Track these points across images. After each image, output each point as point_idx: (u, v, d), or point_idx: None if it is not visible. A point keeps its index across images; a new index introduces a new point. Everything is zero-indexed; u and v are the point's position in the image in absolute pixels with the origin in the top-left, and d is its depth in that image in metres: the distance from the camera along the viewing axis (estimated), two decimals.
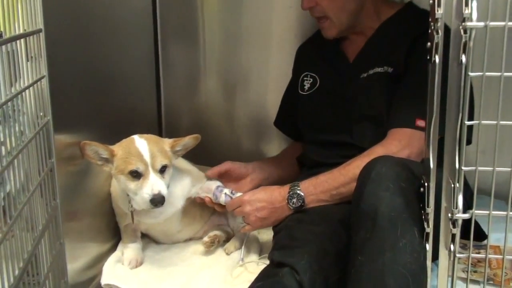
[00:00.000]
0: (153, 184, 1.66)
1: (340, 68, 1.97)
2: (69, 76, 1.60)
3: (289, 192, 1.74)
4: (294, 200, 1.73)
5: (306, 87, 2.04)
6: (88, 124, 1.76)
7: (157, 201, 1.66)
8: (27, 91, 1.23)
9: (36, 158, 1.28)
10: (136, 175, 1.68)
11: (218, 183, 1.90)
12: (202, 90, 2.42)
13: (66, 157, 1.58)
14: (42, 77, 1.31)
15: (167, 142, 1.76)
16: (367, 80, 1.86)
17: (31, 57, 1.26)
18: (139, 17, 2.30)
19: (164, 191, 1.67)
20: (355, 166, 1.64)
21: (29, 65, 1.24)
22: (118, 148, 1.71)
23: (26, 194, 1.19)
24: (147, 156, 1.68)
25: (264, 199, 1.76)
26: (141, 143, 1.71)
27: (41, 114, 1.32)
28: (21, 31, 1.20)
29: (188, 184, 1.86)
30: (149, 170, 1.67)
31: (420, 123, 1.65)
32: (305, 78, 2.05)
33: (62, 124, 1.47)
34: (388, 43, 1.86)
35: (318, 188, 1.73)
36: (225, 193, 1.84)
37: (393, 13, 1.92)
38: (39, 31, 1.28)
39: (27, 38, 1.23)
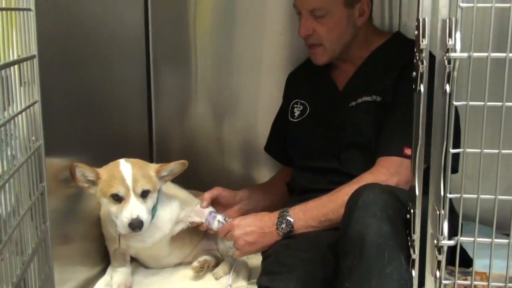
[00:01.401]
0: (133, 208, 1.67)
1: (329, 96, 2.00)
2: (61, 101, 1.62)
3: (278, 218, 1.75)
4: (283, 225, 1.74)
5: (296, 114, 2.06)
6: (80, 148, 1.77)
7: (135, 225, 1.66)
8: (20, 115, 1.24)
9: (27, 182, 1.28)
10: (117, 198, 1.69)
11: (210, 208, 1.91)
12: (193, 115, 2.43)
13: (57, 180, 1.59)
14: (35, 102, 1.32)
15: (153, 167, 1.77)
16: (355, 109, 1.89)
17: (25, 82, 1.27)
18: (132, 42, 2.33)
19: (143, 216, 1.68)
20: (344, 193, 1.66)
21: (22, 90, 1.26)
22: (104, 171, 1.72)
23: (17, 218, 1.20)
24: (129, 180, 1.68)
25: (254, 224, 1.77)
26: (125, 167, 1.72)
27: (33, 138, 1.33)
28: (15, 57, 1.22)
29: (176, 209, 1.86)
30: (130, 194, 1.68)
31: (409, 151, 1.67)
32: (295, 105, 2.08)
33: (54, 148, 1.48)
34: (376, 73, 1.90)
35: (307, 214, 1.74)
36: (218, 220, 1.84)
37: (381, 42, 1.97)
38: (33, 57, 1.30)
39: (21, 63, 1.24)
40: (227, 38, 2.35)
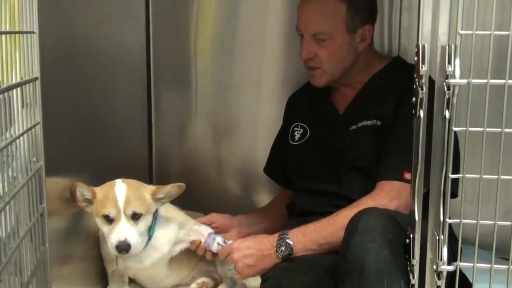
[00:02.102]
0: (121, 230, 1.67)
1: (330, 120, 2.02)
2: (63, 122, 1.62)
3: (277, 240, 1.75)
4: (283, 248, 1.73)
5: (296, 137, 2.07)
6: (80, 169, 1.78)
7: (122, 248, 1.66)
8: (21, 137, 1.24)
9: (28, 203, 1.28)
10: (108, 219, 1.69)
11: (209, 229, 1.90)
12: (193, 137, 2.44)
13: (57, 201, 1.59)
14: (37, 124, 1.33)
15: (149, 189, 1.76)
16: (356, 133, 1.90)
17: (27, 104, 1.28)
18: (133, 64, 2.34)
19: (131, 239, 1.67)
20: (343, 216, 1.66)
21: (24, 112, 1.26)
22: (100, 191, 1.72)
23: (17, 240, 1.19)
24: (121, 202, 1.68)
25: (253, 246, 1.77)
26: (120, 188, 1.72)
27: (34, 159, 1.34)
28: (18, 79, 1.22)
29: (175, 229, 1.86)
30: (121, 216, 1.68)
31: (409, 176, 1.66)
32: (295, 129, 2.09)
33: (54, 170, 1.48)
34: (376, 97, 1.91)
35: (307, 237, 1.74)
36: (218, 242, 1.84)
37: (381, 67, 1.98)
38: (35, 79, 1.31)
39: (23, 85, 1.25)
40: (227, 61, 2.37)
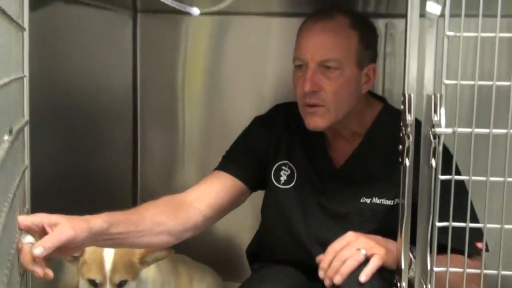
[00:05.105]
0: None
1: (323, 172, 1.77)
2: (49, 166, 1.62)
3: None
4: None
5: (282, 180, 1.79)
6: (66, 210, 1.76)
7: None
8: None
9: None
10: (94, 283, 1.65)
11: None
12: (179, 179, 2.42)
13: None
14: (25, 168, 1.33)
15: (137, 253, 1.70)
16: (371, 207, 1.68)
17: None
18: (119, 103, 2.34)
19: None
20: None
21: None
22: (88, 249, 1.66)
23: None
24: (108, 268, 1.64)
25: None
26: (108, 251, 1.67)
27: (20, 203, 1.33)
28: None
29: None
30: (107, 283, 1.64)
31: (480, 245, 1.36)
32: (283, 167, 1.79)
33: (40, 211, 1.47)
34: (380, 158, 1.70)
35: None
36: None
37: (375, 115, 1.75)
38: (26, 123, 1.31)
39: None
40: (216, 101, 2.37)
